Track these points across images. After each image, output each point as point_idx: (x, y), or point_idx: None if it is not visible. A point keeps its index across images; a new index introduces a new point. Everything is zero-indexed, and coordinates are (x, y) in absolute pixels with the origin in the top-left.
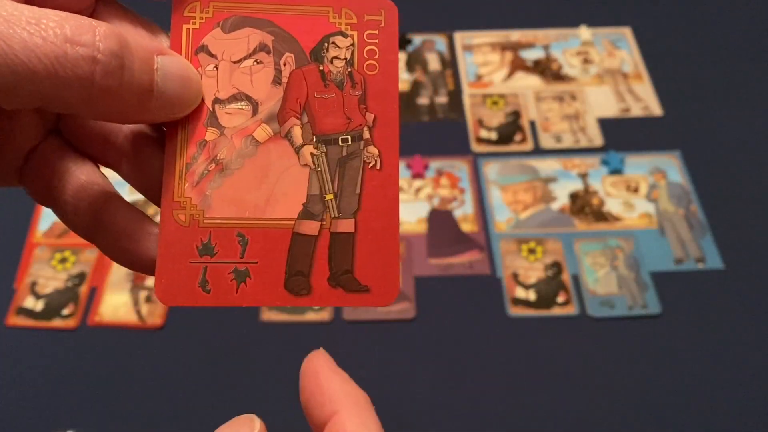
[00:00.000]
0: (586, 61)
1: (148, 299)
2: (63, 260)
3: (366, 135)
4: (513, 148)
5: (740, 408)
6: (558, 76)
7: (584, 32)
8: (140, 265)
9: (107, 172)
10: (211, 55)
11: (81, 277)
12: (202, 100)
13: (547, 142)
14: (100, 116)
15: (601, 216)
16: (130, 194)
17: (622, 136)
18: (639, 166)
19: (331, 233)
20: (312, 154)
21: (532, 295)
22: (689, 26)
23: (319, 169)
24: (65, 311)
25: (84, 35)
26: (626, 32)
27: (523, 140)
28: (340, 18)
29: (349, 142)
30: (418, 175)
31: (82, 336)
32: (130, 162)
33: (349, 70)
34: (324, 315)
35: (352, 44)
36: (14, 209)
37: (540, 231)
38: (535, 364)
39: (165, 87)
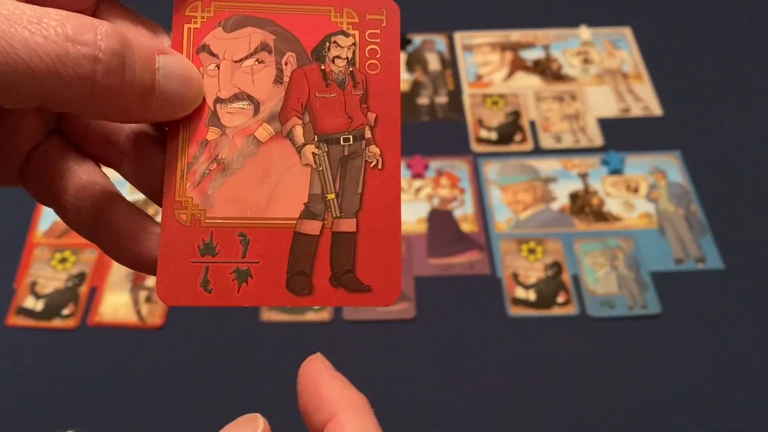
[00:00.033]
0: (586, 61)
1: (148, 299)
2: (63, 260)
3: (368, 134)
4: (513, 148)
5: (740, 408)
6: (558, 76)
7: (584, 32)
8: (141, 265)
9: (108, 171)
10: (213, 55)
11: (81, 277)
12: (204, 100)
13: (547, 142)
14: (102, 116)
15: (601, 216)
16: (130, 194)
17: (622, 136)
18: (639, 166)
19: (332, 233)
20: (314, 154)
21: (532, 295)
22: (689, 26)
23: (321, 168)
24: (65, 311)
25: (85, 34)
26: (626, 32)
27: (523, 140)
28: (341, 17)
29: (351, 142)
30: (418, 175)
31: (82, 336)
32: (132, 161)
33: (351, 69)
34: (324, 315)
35: (354, 44)
36: (14, 209)
37: (540, 231)
38: (535, 364)
39: (166, 86)
